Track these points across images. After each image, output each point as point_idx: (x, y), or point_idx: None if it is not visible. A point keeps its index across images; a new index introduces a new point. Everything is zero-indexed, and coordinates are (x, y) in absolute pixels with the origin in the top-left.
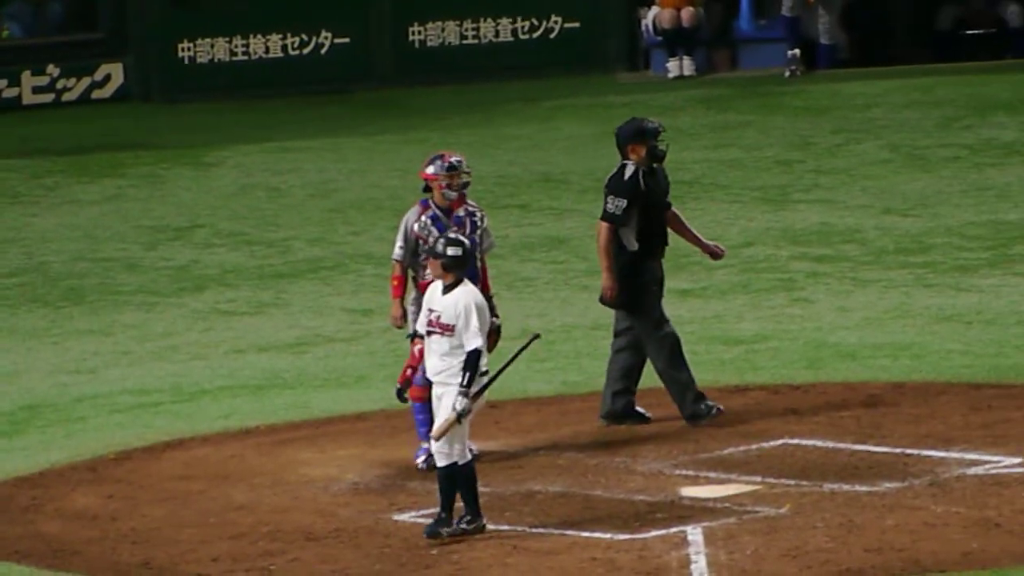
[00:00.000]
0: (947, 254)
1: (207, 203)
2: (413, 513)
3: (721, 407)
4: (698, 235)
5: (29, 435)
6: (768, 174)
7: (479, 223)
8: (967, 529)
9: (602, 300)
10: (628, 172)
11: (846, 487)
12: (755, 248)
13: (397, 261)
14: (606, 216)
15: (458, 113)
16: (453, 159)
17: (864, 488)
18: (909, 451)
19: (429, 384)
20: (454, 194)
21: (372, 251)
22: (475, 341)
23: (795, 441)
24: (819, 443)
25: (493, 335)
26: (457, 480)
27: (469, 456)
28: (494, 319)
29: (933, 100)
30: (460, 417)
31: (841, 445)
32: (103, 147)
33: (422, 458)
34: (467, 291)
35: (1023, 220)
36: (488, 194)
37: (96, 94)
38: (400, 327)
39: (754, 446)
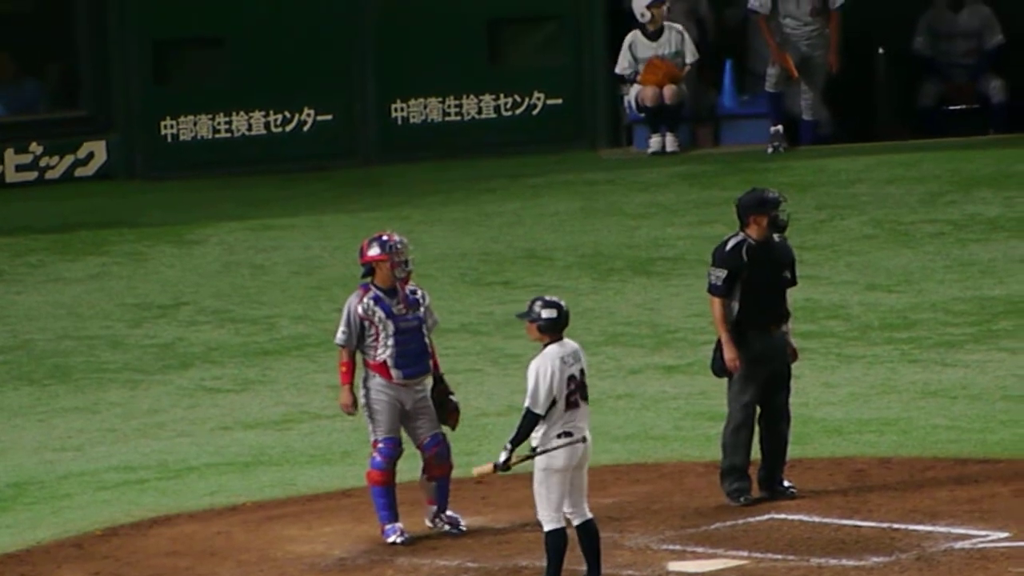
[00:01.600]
0: (932, 329)
1: (191, 280)
2: None
3: (750, 499)
4: (790, 327)
5: (16, 512)
6: None
7: (422, 301)
8: None
9: (717, 371)
10: (731, 243)
11: (833, 562)
12: None
13: (342, 346)
14: (708, 288)
15: (441, 190)
16: (396, 238)
17: (852, 563)
18: (896, 526)
19: (389, 469)
20: (403, 273)
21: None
22: (527, 402)
23: (782, 516)
24: (806, 518)
25: (453, 414)
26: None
27: (560, 524)
28: (451, 397)
29: (917, 176)
30: (496, 468)
31: (828, 520)
32: (86, 225)
33: (392, 537)
34: (539, 356)
35: (1008, 296)
36: (472, 271)
37: (79, 172)
38: (351, 414)
39: (741, 521)
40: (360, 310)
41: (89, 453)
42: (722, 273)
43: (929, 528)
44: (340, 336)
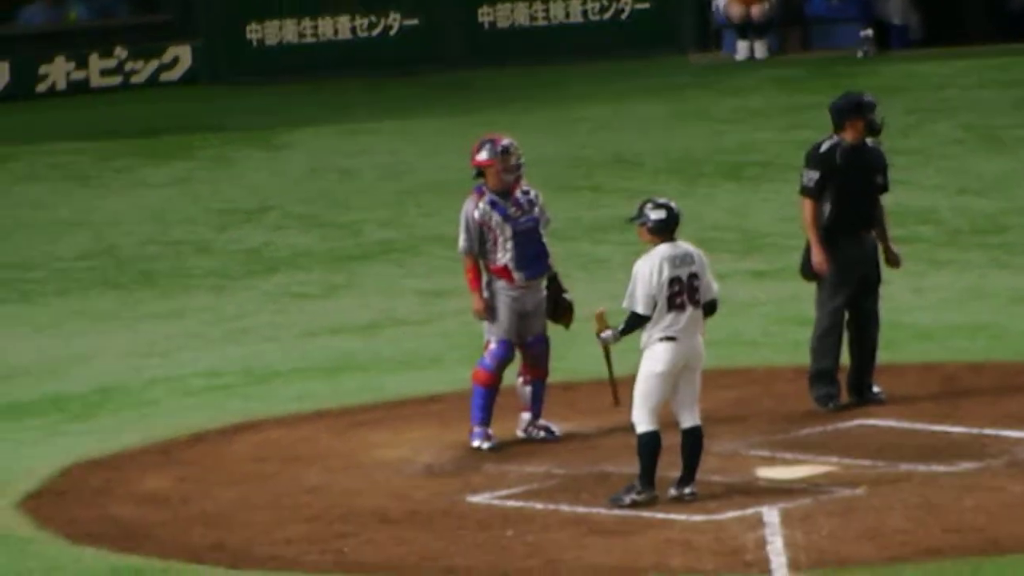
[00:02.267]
0: (1022, 235)
1: (277, 185)
2: (487, 495)
3: (838, 404)
4: (888, 233)
5: (102, 418)
6: None
7: (536, 201)
8: None
9: (806, 274)
10: (825, 146)
11: (923, 467)
12: None
13: (465, 254)
14: (800, 189)
15: (528, 95)
16: (504, 142)
17: (942, 468)
18: (987, 431)
19: (498, 372)
20: (511, 177)
21: (443, 233)
22: (628, 303)
23: (871, 422)
24: (895, 424)
25: (567, 313)
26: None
27: (654, 427)
28: (565, 295)
29: (1007, 80)
30: (599, 334)
31: (918, 426)
32: (172, 129)
33: (477, 441)
34: (645, 255)
35: None
36: (560, 176)
37: (164, 76)
38: (484, 318)
39: (830, 427)
40: (477, 215)
41: (175, 359)
42: (815, 175)
43: (1020, 434)
44: (462, 244)
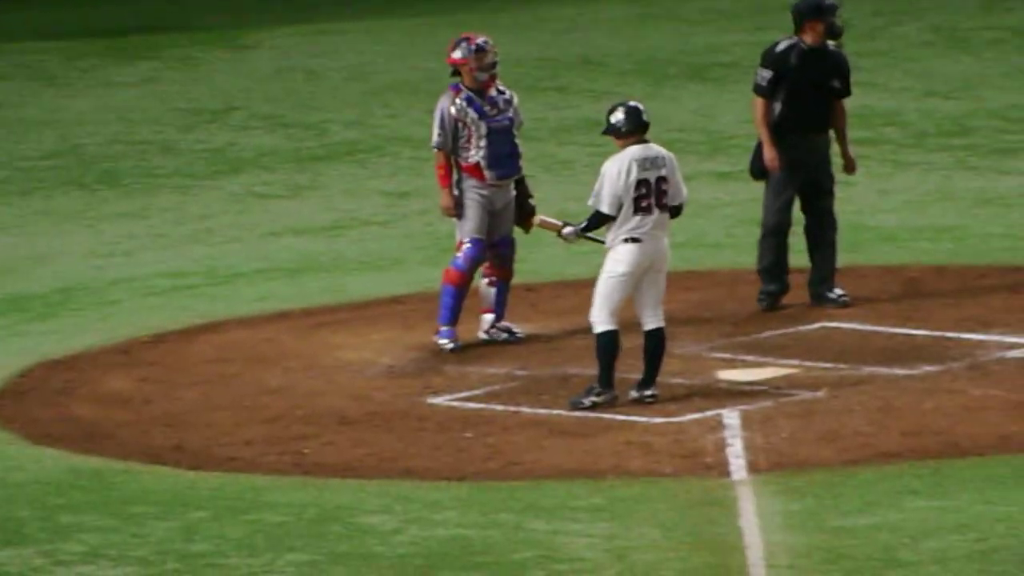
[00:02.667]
0: (989, 137)
1: (243, 86)
2: (448, 396)
3: (774, 303)
4: (846, 138)
5: (63, 318)
6: None
7: (511, 101)
8: (1005, 412)
9: (755, 172)
10: (781, 46)
11: (884, 370)
12: None
13: (438, 149)
14: (753, 87)
15: None
16: (479, 40)
17: (903, 371)
18: (948, 334)
19: (469, 271)
20: (485, 75)
21: (409, 134)
22: (593, 200)
23: (833, 324)
24: (857, 326)
25: (529, 217)
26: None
27: (612, 326)
28: (530, 200)
29: None
30: (560, 231)
31: (879, 328)
32: (139, 29)
33: (444, 341)
34: (613, 157)
35: None
36: (526, 76)
37: None
38: (453, 215)
39: (791, 329)
40: (453, 111)
41: (138, 259)
42: (768, 74)
43: (982, 337)
44: (436, 138)
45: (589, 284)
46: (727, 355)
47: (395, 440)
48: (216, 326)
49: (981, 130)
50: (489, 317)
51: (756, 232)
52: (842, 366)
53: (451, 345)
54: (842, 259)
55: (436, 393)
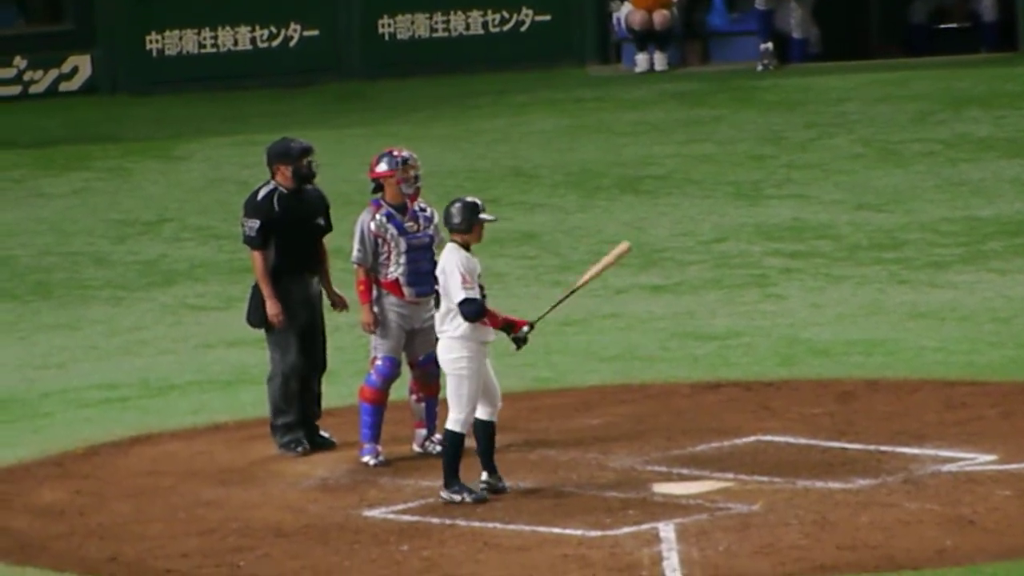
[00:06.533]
0: (921, 250)
1: (175, 197)
2: (383, 509)
3: (307, 448)
4: (328, 275)
5: None
6: (740, 169)
7: (431, 219)
8: (941, 526)
9: (252, 322)
10: (262, 193)
11: (819, 484)
12: (728, 244)
13: (358, 264)
14: (244, 240)
15: (428, 106)
16: (404, 154)
17: (837, 485)
18: (883, 448)
19: (384, 389)
20: (411, 189)
21: (341, 246)
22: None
23: (768, 438)
24: (792, 440)
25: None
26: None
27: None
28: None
29: (907, 94)
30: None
31: (814, 442)
32: (70, 140)
33: (366, 457)
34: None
35: (997, 216)
36: (459, 188)
37: (64, 86)
38: (372, 332)
39: (727, 443)
40: (373, 227)
41: (71, 371)
42: (255, 223)
43: (916, 451)
44: (356, 254)
45: (522, 397)
46: (662, 468)
47: (331, 553)
48: (150, 438)
49: (913, 243)
50: (422, 432)
51: (690, 345)
52: (777, 479)
53: (374, 461)
54: (775, 373)
55: (371, 506)
